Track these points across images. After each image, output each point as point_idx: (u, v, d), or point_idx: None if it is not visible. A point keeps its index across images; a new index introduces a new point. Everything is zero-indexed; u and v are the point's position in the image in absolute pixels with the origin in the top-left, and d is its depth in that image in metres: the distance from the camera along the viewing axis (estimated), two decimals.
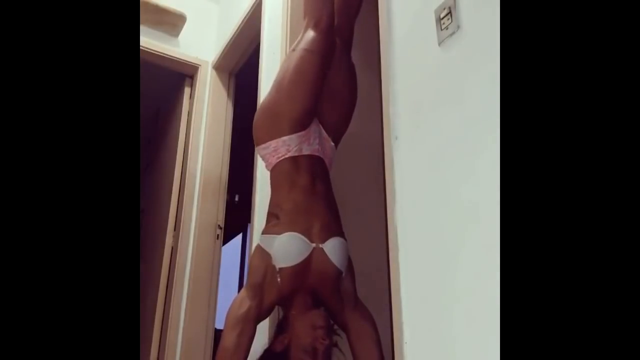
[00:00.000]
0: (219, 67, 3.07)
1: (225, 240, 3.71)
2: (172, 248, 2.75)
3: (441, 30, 1.17)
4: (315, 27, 1.49)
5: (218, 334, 1.39)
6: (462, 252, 1.00)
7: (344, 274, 1.39)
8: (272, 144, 1.44)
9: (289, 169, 1.43)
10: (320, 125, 1.53)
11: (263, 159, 1.51)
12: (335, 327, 1.36)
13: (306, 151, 1.44)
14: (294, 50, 1.52)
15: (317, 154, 1.47)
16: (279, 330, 1.35)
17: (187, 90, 3.10)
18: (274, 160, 1.45)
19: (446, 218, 1.06)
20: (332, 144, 1.56)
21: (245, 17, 2.69)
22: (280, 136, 1.43)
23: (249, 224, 2.18)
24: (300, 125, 1.44)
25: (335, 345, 1.33)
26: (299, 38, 1.55)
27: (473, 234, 0.98)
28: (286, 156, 1.43)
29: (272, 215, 1.42)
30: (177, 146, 2.94)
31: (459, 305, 0.98)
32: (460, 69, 1.10)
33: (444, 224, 1.06)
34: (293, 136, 1.43)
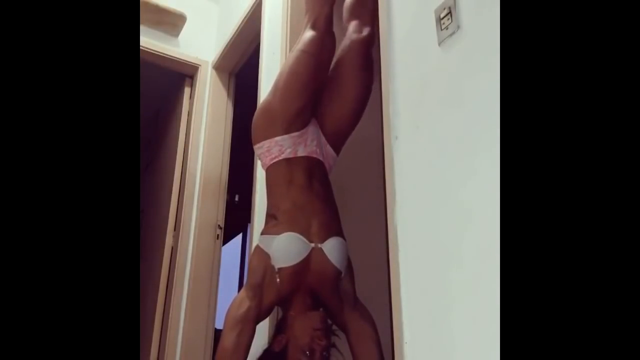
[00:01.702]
0: (219, 67, 3.08)
1: (225, 240, 3.71)
2: (172, 248, 2.75)
3: (441, 30, 1.17)
4: (313, 27, 1.49)
5: (218, 334, 1.39)
6: (462, 252, 1.00)
7: (343, 274, 1.39)
8: (266, 143, 1.44)
9: (284, 170, 1.42)
10: (320, 131, 1.52)
11: (259, 159, 1.51)
12: (334, 327, 1.36)
13: (302, 153, 1.44)
14: (292, 51, 1.53)
15: (314, 155, 1.46)
16: (278, 330, 1.35)
17: (187, 90, 3.10)
18: (267, 161, 1.45)
19: (446, 218, 1.06)
20: (332, 151, 1.54)
21: (245, 17, 2.69)
22: (274, 136, 1.43)
23: (249, 224, 2.18)
24: (293, 125, 1.43)
25: (334, 345, 1.33)
26: (299, 38, 1.55)
27: (473, 234, 0.98)
28: (280, 158, 1.42)
29: (270, 216, 1.42)
30: (177, 146, 2.94)
31: (459, 305, 0.98)
32: (460, 69, 1.10)
33: (444, 223, 1.06)
34: (286, 137, 1.42)
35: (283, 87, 1.46)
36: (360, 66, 1.55)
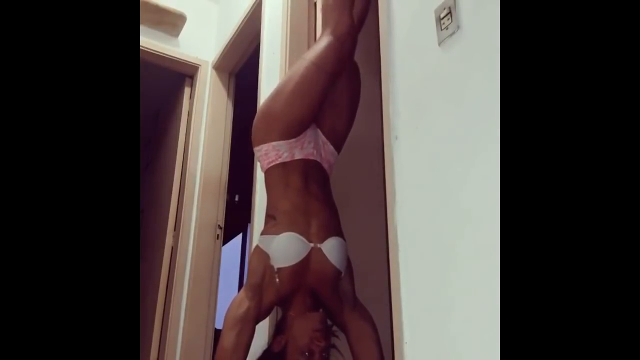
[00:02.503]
0: (219, 67, 3.08)
1: (225, 240, 3.71)
2: (172, 248, 2.75)
3: (441, 30, 1.17)
4: (332, 32, 1.48)
5: (218, 334, 1.39)
6: (462, 252, 1.00)
7: (342, 274, 1.39)
8: (264, 147, 1.44)
9: (281, 173, 1.43)
10: (319, 130, 1.53)
11: (258, 161, 1.52)
12: (334, 328, 1.36)
13: (299, 155, 1.44)
14: (304, 59, 1.50)
15: (311, 157, 1.47)
16: (277, 330, 1.35)
17: (187, 90, 3.10)
18: (265, 165, 1.46)
19: (446, 218, 1.06)
20: (332, 148, 1.55)
21: (245, 17, 2.69)
22: (271, 141, 1.43)
23: (249, 224, 2.18)
24: (292, 133, 1.44)
25: (334, 346, 1.33)
26: (316, 42, 1.53)
27: (473, 234, 0.98)
28: (277, 162, 1.43)
29: (269, 217, 1.42)
30: (177, 146, 2.95)
31: (459, 305, 0.98)
32: (460, 69, 1.10)
33: (443, 223, 1.06)
34: (282, 142, 1.43)
35: (289, 94, 1.45)
36: (350, 66, 1.58)
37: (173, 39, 3.07)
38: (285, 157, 1.43)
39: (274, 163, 1.44)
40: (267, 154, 1.44)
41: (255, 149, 1.48)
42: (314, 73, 1.45)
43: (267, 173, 1.47)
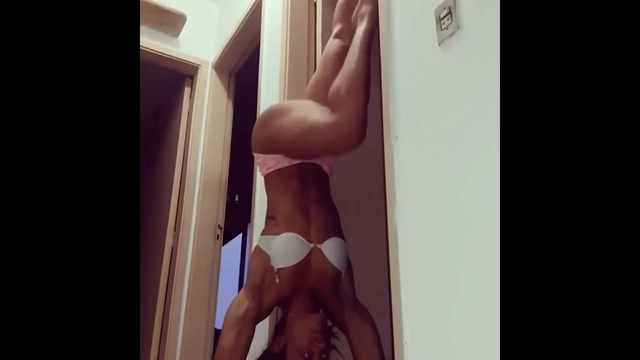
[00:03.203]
0: (219, 67, 3.08)
1: (225, 240, 3.71)
2: (172, 248, 2.76)
3: (441, 30, 1.17)
4: (339, 121, 1.28)
5: (218, 334, 1.39)
6: (462, 252, 1.00)
7: (342, 275, 1.39)
8: (261, 156, 1.45)
9: (279, 177, 1.44)
10: None
11: (257, 164, 1.52)
12: (334, 329, 1.36)
13: (297, 160, 1.44)
14: (303, 120, 1.35)
15: (309, 160, 1.47)
16: (277, 331, 1.35)
17: (187, 90, 3.10)
18: (264, 171, 1.47)
19: (446, 218, 1.06)
20: None
21: (245, 17, 2.69)
22: (267, 153, 1.44)
23: (249, 224, 2.18)
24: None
25: (333, 347, 1.33)
26: (321, 115, 1.33)
27: (473, 234, 0.98)
28: (275, 168, 1.44)
29: (270, 218, 1.43)
30: (177, 146, 2.95)
31: (459, 305, 0.98)
32: (460, 69, 1.10)
33: (444, 223, 1.06)
34: (278, 155, 1.43)
35: (278, 130, 1.40)
36: None
37: (173, 39, 3.07)
38: (283, 163, 1.43)
39: (272, 169, 1.44)
40: (265, 162, 1.45)
41: (255, 155, 1.49)
42: (293, 142, 1.37)
43: (266, 178, 1.47)
